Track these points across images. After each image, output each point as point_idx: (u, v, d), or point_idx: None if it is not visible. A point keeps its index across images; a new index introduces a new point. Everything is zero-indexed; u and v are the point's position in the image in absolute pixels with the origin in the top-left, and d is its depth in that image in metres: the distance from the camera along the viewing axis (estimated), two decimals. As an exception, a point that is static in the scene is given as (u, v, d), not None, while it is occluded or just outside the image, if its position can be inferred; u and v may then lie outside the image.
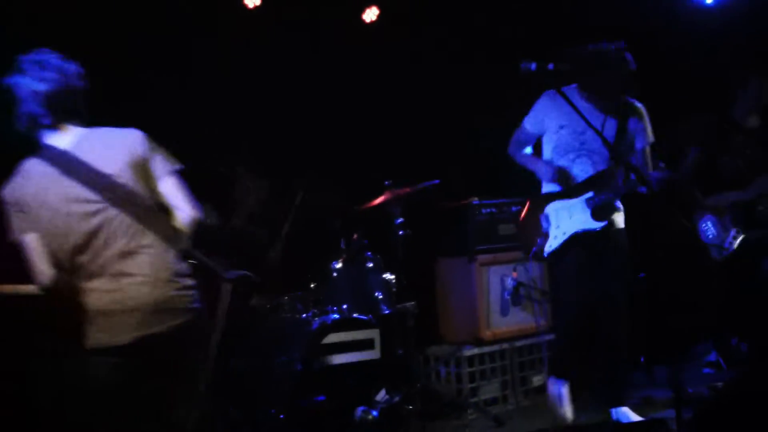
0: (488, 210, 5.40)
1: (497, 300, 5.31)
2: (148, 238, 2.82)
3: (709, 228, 4.97)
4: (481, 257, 5.27)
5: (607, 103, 4.22)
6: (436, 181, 4.79)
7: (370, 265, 4.87)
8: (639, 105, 4.32)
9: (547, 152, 4.38)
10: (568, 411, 4.29)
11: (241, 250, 4.64)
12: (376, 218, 4.98)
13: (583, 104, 4.19)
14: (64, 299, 2.78)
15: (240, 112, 5.23)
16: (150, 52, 4.87)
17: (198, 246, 3.18)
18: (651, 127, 4.34)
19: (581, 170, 4.24)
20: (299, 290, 4.88)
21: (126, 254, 2.78)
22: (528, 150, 4.53)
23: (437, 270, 5.59)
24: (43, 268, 2.74)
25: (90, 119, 2.90)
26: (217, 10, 5.24)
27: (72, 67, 2.86)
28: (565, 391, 4.31)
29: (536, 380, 5.28)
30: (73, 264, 2.76)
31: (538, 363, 5.29)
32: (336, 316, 4.55)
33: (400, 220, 4.80)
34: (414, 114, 5.80)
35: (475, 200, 5.35)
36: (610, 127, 4.21)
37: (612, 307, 4.20)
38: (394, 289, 4.86)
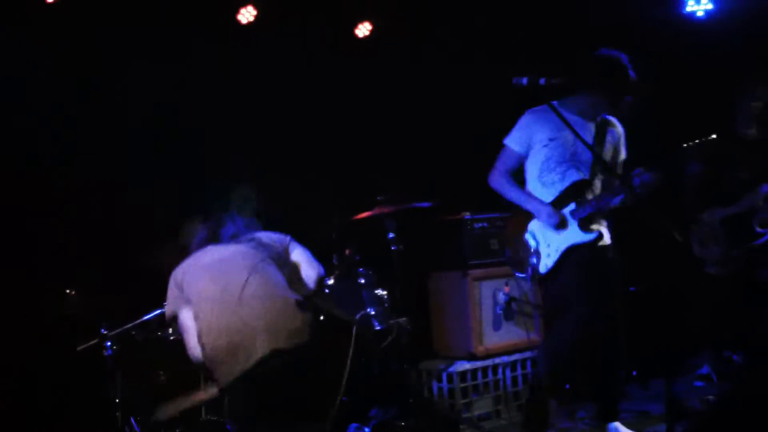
0: (480, 224, 5.39)
1: (489, 315, 5.30)
2: (283, 281, 3.70)
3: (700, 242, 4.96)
4: (473, 272, 5.26)
5: (592, 115, 4.23)
6: (427, 204, 4.80)
7: (363, 281, 4.86)
8: (615, 121, 4.32)
9: (533, 168, 4.29)
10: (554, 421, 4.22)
11: None
12: (369, 233, 4.97)
13: (568, 117, 4.19)
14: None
15: (235, 125, 5.26)
16: (146, 67, 4.91)
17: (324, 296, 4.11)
18: (625, 144, 4.35)
19: (571, 182, 4.22)
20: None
21: (266, 293, 3.58)
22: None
23: (430, 285, 5.58)
24: (194, 343, 3.54)
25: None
26: (214, 25, 5.29)
27: None
28: (553, 405, 4.22)
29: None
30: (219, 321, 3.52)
31: (531, 378, 5.27)
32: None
33: (392, 235, 4.80)
34: (406, 128, 5.82)
35: (467, 215, 5.36)
36: (589, 139, 4.17)
37: (610, 324, 4.14)
38: (386, 305, 4.85)
